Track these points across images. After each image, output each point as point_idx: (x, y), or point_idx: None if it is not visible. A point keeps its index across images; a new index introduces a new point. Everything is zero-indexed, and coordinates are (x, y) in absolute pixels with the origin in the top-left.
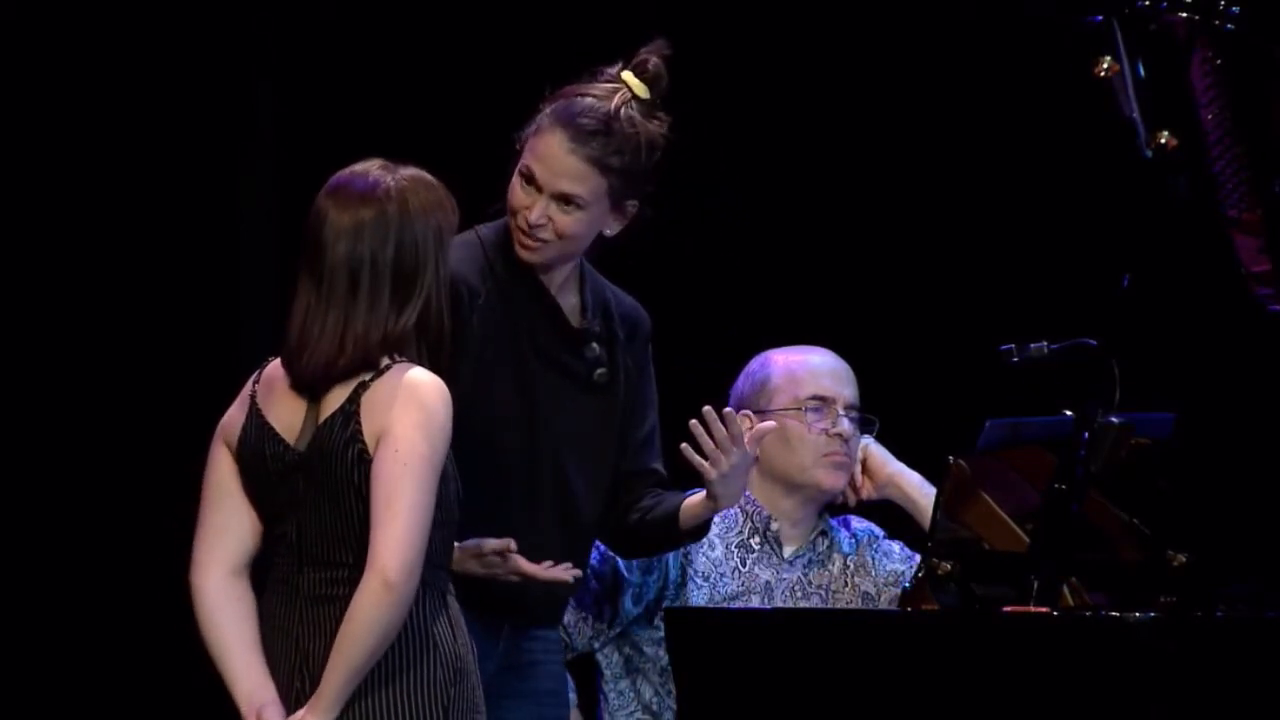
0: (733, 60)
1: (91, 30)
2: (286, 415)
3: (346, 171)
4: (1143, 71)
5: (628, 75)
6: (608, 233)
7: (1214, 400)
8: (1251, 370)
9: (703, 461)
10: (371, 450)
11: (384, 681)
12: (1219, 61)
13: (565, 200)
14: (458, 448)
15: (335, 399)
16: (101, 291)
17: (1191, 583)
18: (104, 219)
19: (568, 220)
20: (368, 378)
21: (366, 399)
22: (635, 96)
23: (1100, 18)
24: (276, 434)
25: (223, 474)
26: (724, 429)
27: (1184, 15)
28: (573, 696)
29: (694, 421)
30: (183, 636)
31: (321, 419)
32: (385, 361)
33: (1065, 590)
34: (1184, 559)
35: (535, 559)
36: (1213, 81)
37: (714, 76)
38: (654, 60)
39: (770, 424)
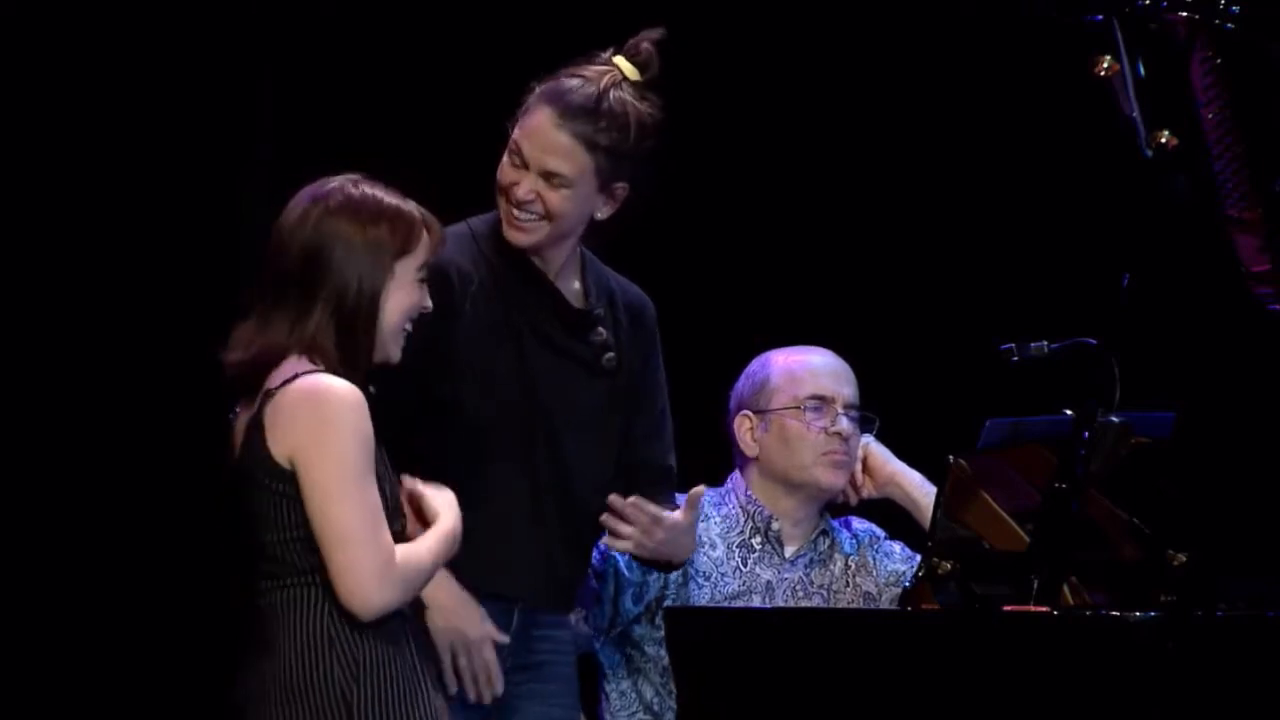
0: (733, 59)
1: (91, 27)
2: (238, 427)
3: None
4: (1143, 71)
5: (619, 59)
6: (599, 216)
7: (1214, 399)
8: (1251, 370)
9: (627, 542)
10: (284, 464)
11: (289, 687)
12: (1219, 61)
13: (551, 177)
14: (456, 437)
15: (250, 409)
16: (100, 290)
17: (1191, 582)
18: (103, 217)
19: (555, 197)
20: (274, 385)
21: (270, 409)
22: (625, 78)
23: (1100, 17)
24: (231, 446)
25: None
26: (641, 514)
27: (1184, 14)
28: None
29: (605, 516)
30: (180, 637)
31: (243, 429)
32: (296, 368)
33: (1065, 589)
34: (1184, 558)
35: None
36: (1213, 81)
37: (715, 75)
38: (646, 45)
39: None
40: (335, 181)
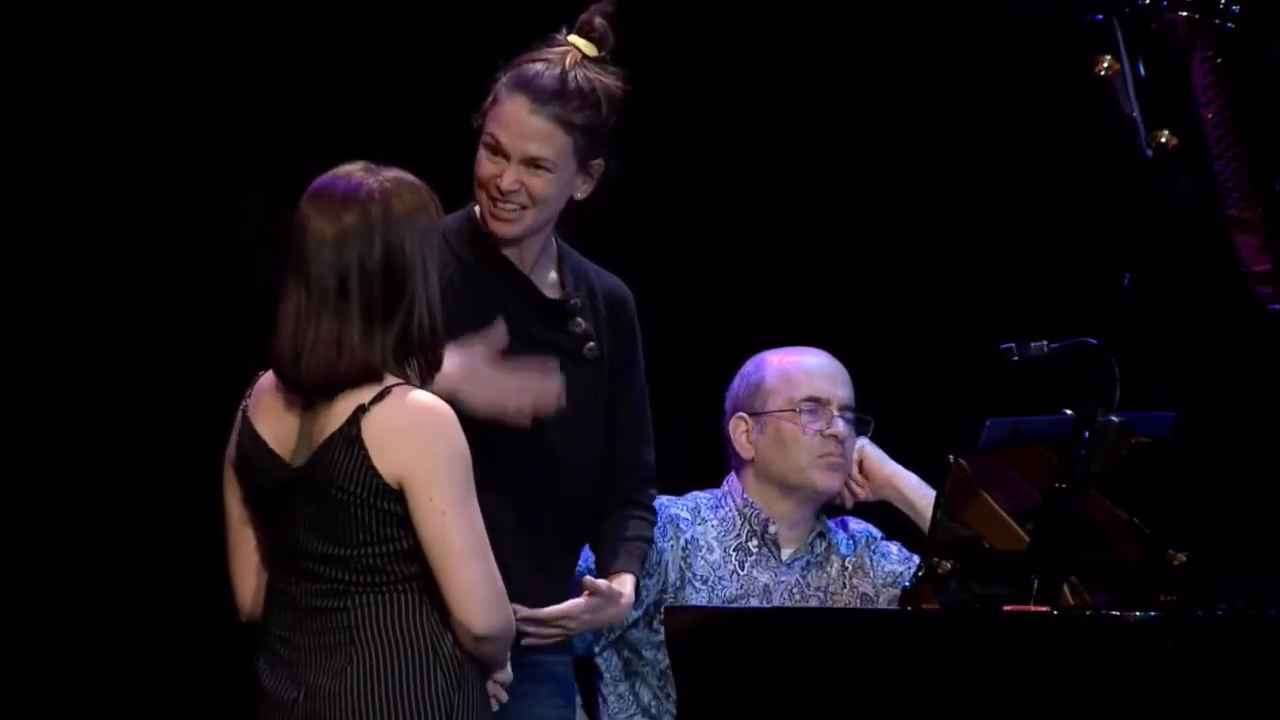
0: (730, 58)
1: (92, 27)
2: (280, 430)
3: (329, 175)
4: (1143, 70)
5: (574, 38)
6: (578, 196)
7: (1214, 399)
8: (1251, 369)
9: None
10: (393, 484)
11: (388, 692)
12: (1219, 60)
13: (534, 164)
14: None
15: (333, 418)
16: (99, 288)
17: (1191, 581)
18: (103, 216)
19: (539, 183)
20: (366, 400)
21: (369, 425)
22: (585, 56)
23: (1100, 16)
24: (270, 449)
25: (240, 505)
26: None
27: (1184, 14)
28: (578, 699)
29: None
30: (179, 637)
31: (320, 438)
32: (386, 381)
33: (1065, 589)
34: (1184, 558)
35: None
36: (1213, 80)
37: (712, 73)
38: (599, 20)
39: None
40: (373, 181)
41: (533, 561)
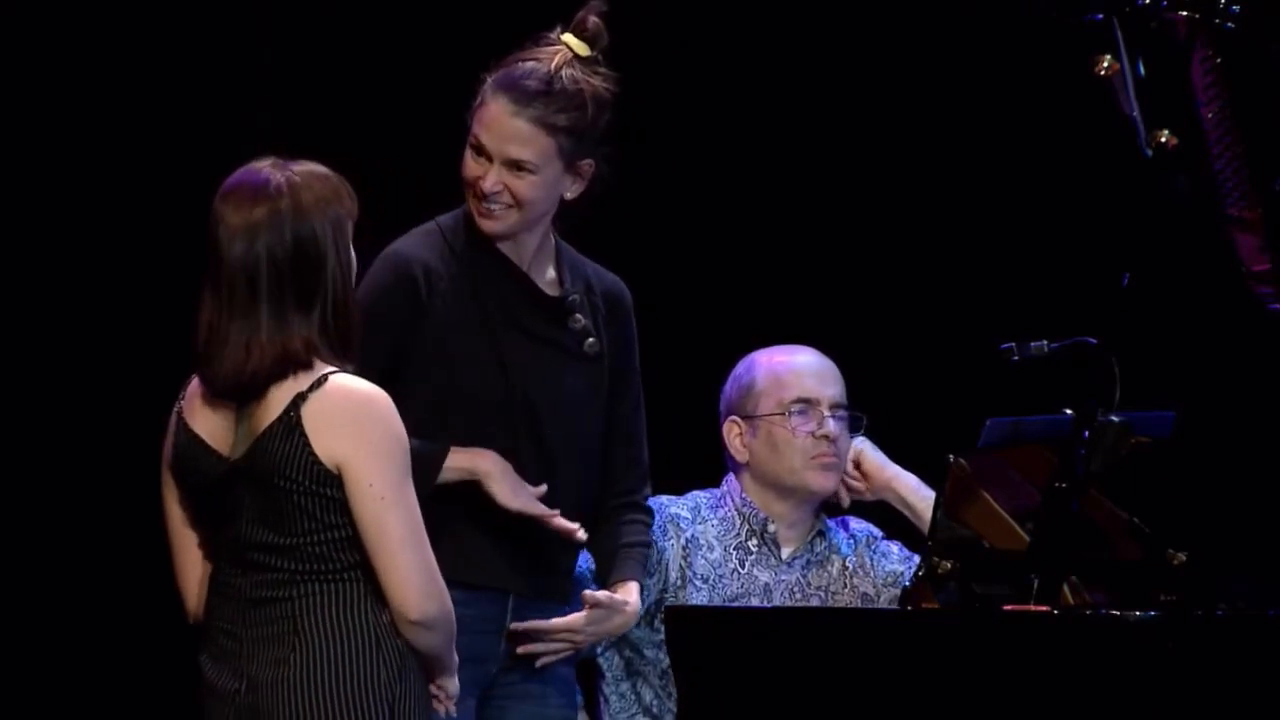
0: (730, 58)
1: (95, 28)
2: (214, 426)
3: (238, 172)
4: (1143, 70)
5: (567, 37)
6: (568, 196)
7: (1214, 399)
8: (1251, 369)
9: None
10: (332, 469)
11: (330, 681)
12: (1219, 60)
13: (516, 166)
14: (440, 434)
15: (270, 408)
16: (98, 286)
17: (1191, 581)
18: (102, 216)
19: (522, 185)
20: (304, 388)
21: (308, 411)
22: (576, 55)
23: (1100, 16)
24: (206, 445)
25: (179, 507)
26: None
27: (1184, 14)
28: (579, 699)
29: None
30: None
31: (260, 428)
32: (322, 369)
33: (1065, 589)
34: (1184, 557)
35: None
36: (1213, 80)
37: (711, 73)
38: (592, 19)
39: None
40: (281, 175)
41: (537, 557)
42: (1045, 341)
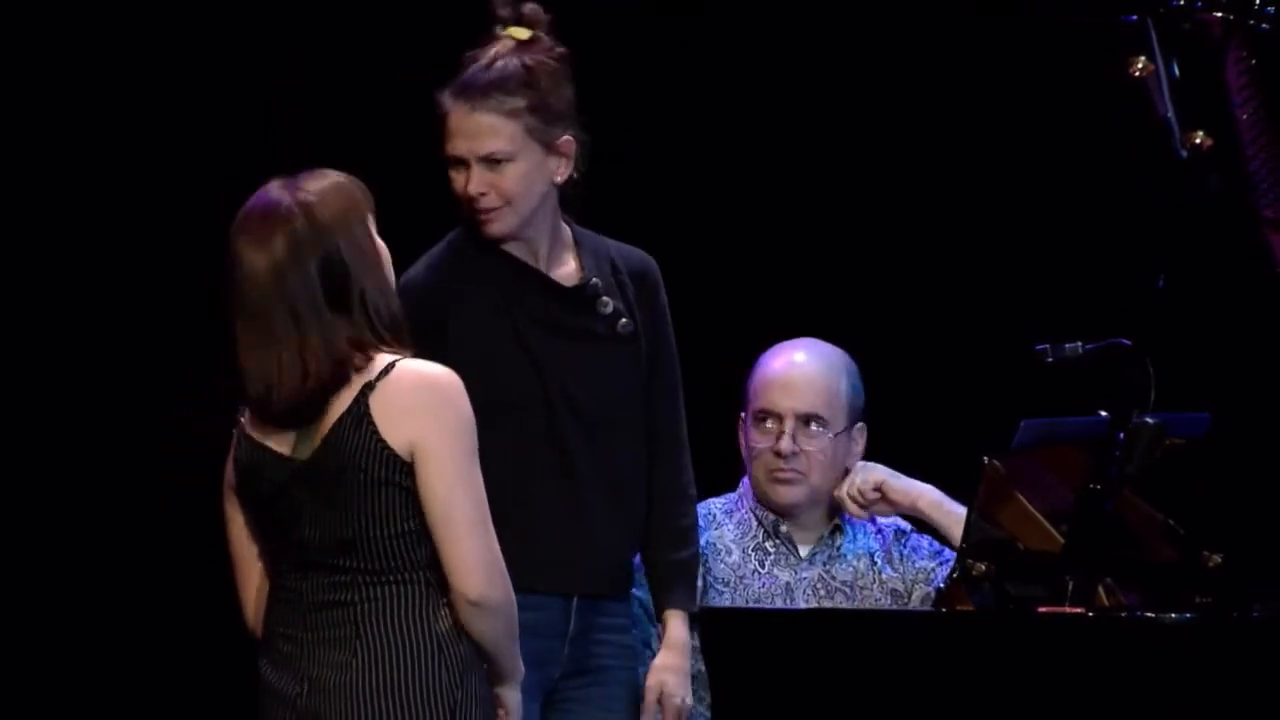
0: (748, 61)
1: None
2: (281, 433)
3: (249, 203)
4: (1177, 71)
5: (507, 30)
6: (558, 179)
7: (1249, 400)
8: None
9: None
10: (404, 455)
11: (391, 685)
12: (1254, 61)
13: (492, 162)
14: (486, 443)
15: (338, 404)
16: (99, 290)
17: (1227, 583)
18: (105, 217)
19: (504, 179)
20: (372, 378)
21: (376, 400)
22: (518, 42)
23: (1135, 17)
24: (272, 451)
25: (242, 525)
26: None
27: (1219, 14)
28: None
29: None
30: (178, 638)
31: (328, 425)
32: (384, 359)
33: (1100, 591)
34: (1219, 559)
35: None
36: (1247, 81)
37: (743, 75)
38: (528, 5)
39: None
40: (289, 196)
41: (595, 557)
42: (1080, 343)
